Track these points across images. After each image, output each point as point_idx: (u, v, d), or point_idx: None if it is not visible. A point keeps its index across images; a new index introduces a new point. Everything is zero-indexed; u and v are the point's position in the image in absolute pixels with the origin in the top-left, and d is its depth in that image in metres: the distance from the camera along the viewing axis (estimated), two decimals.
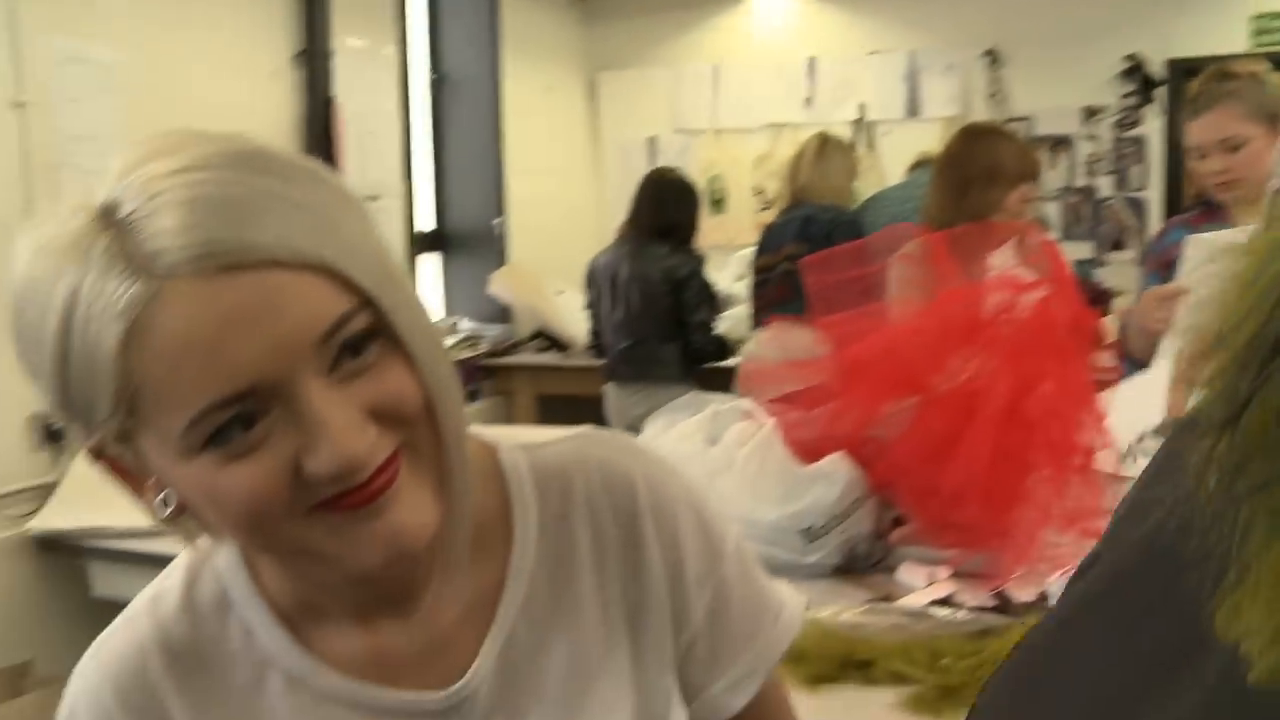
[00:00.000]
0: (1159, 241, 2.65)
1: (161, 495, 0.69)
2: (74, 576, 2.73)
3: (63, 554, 2.73)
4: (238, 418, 0.63)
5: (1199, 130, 2.36)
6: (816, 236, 3.67)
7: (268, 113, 3.69)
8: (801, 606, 0.92)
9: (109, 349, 0.62)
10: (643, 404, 3.64)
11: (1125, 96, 5.38)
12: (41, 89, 2.82)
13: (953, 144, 2.92)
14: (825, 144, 4.05)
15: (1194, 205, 2.82)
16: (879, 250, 2.54)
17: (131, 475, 0.70)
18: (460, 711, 0.79)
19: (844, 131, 5.17)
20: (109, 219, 0.63)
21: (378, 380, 0.66)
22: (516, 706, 0.80)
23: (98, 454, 0.69)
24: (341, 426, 0.64)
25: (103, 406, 0.64)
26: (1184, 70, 5.10)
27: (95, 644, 0.81)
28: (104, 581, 2.68)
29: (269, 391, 0.63)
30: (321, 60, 4.03)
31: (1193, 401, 0.43)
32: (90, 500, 2.75)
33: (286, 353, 0.63)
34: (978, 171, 2.70)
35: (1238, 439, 0.40)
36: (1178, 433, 0.46)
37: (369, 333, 0.66)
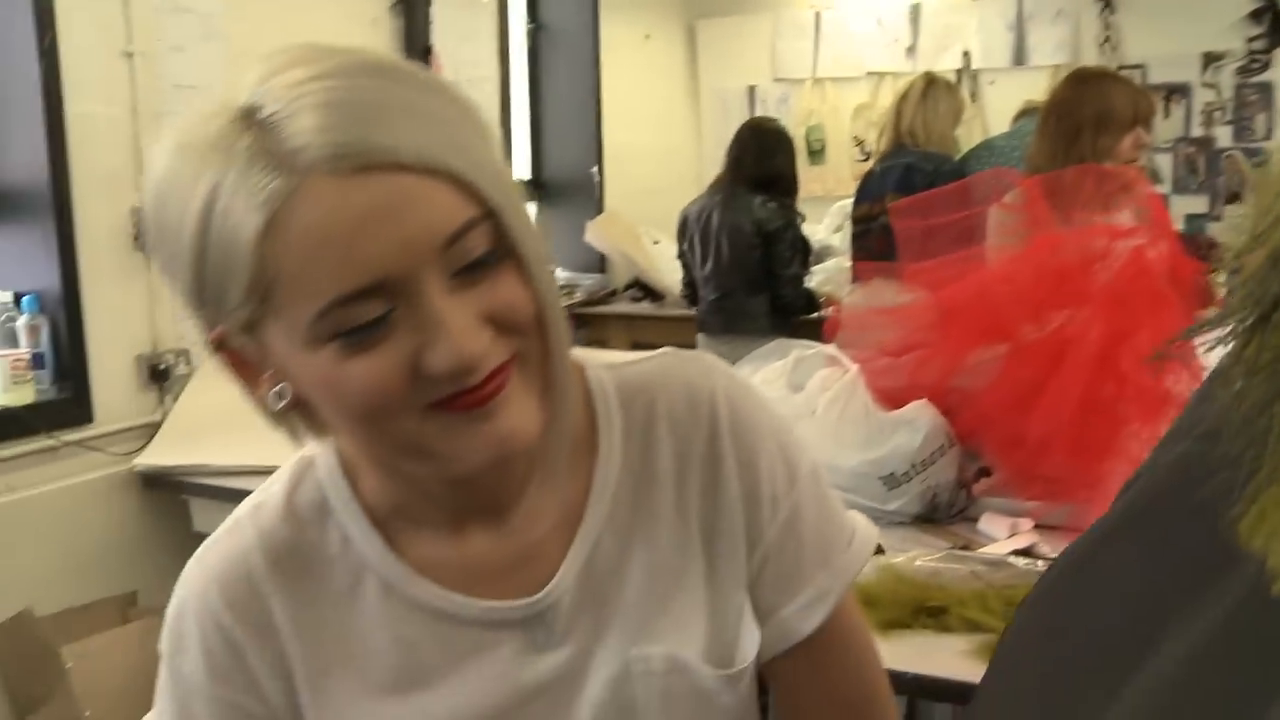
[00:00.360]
0: None
1: (277, 388, 0.72)
2: (176, 512, 2.82)
3: (166, 490, 2.82)
4: (363, 311, 0.66)
5: None
6: (919, 187, 3.56)
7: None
8: (874, 534, 0.92)
9: (248, 238, 0.65)
10: (731, 356, 3.60)
11: (1252, 40, 5.11)
12: (147, 38, 2.88)
13: (1060, 90, 2.81)
14: (932, 84, 3.92)
15: None
16: (975, 195, 2.48)
17: (249, 369, 0.73)
18: (542, 620, 0.82)
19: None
20: (250, 119, 0.66)
21: (494, 289, 0.69)
22: (596, 616, 0.83)
23: (219, 345, 0.73)
24: (460, 327, 0.67)
25: (235, 295, 0.67)
26: None
27: (200, 550, 0.85)
28: (203, 517, 2.77)
29: (395, 288, 0.66)
30: (421, 8, 4.05)
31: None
32: (192, 439, 2.85)
33: (413, 252, 0.66)
34: (1088, 117, 2.60)
35: (1268, 339, 0.38)
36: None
37: (488, 242, 0.69)
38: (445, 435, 0.70)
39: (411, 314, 0.67)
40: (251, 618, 0.81)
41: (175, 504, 2.83)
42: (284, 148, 0.65)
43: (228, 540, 0.83)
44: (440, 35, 4.15)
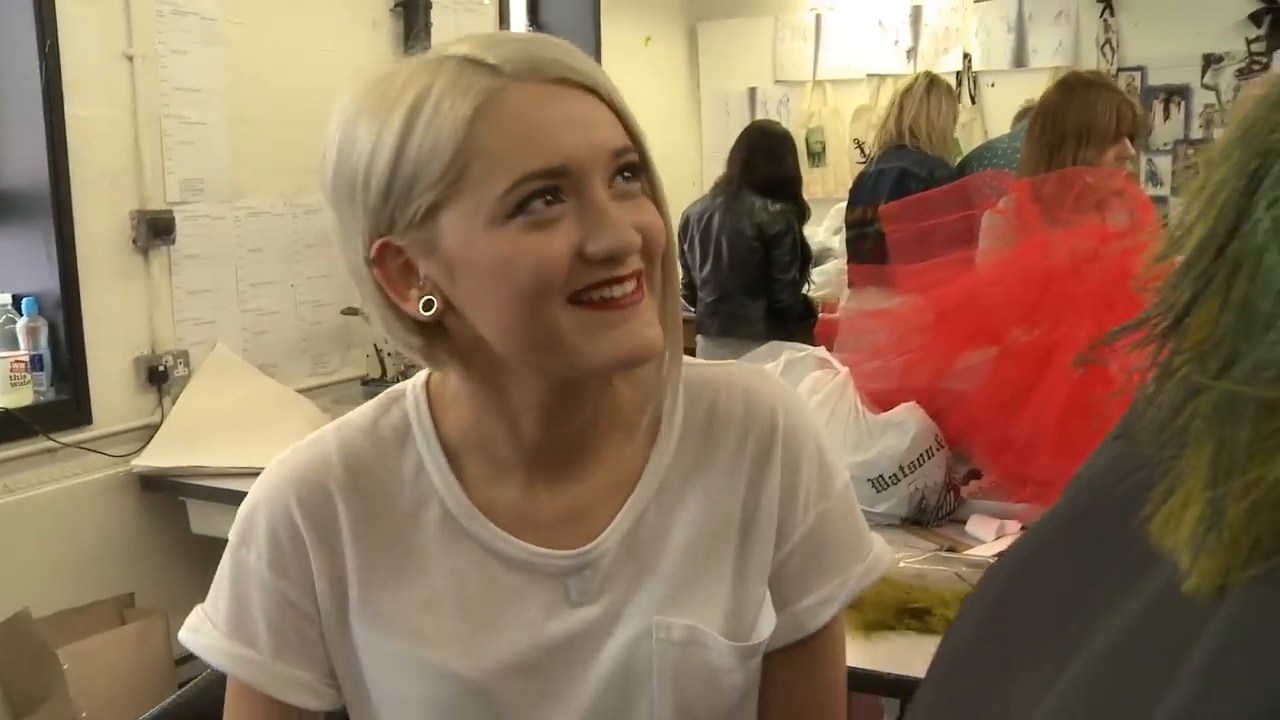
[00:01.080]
0: None
1: (427, 298, 0.81)
2: (174, 513, 2.84)
3: (163, 492, 2.83)
4: (546, 190, 0.76)
5: None
6: (913, 194, 3.57)
7: (366, 63, 3.73)
8: (889, 556, 1.00)
9: (462, 117, 0.76)
10: (728, 359, 3.61)
11: (1252, 42, 5.11)
12: (148, 41, 2.90)
13: (1048, 96, 2.81)
14: (934, 83, 3.92)
15: None
16: (969, 198, 2.48)
17: (397, 282, 0.82)
18: (581, 572, 0.89)
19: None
20: (449, 58, 0.78)
21: (640, 209, 0.81)
22: (630, 581, 0.90)
23: (378, 257, 0.81)
24: (620, 219, 0.78)
25: (432, 173, 0.77)
26: None
27: (285, 453, 0.93)
28: (201, 519, 2.78)
29: (574, 178, 0.77)
30: (421, 11, 4.06)
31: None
32: (190, 441, 2.87)
33: (594, 153, 0.78)
34: (1072, 128, 2.60)
35: (1181, 344, 0.39)
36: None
37: (638, 168, 0.82)
38: (585, 330, 0.79)
39: (581, 207, 0.78)
40: (319, 519, 0.89)
41: (173, 505, 2.84)
42: (489, 63, 0.77)
43: (311, 447, 0.92)
44: (441, 38, 4.14)
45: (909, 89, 3.91)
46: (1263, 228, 0.36)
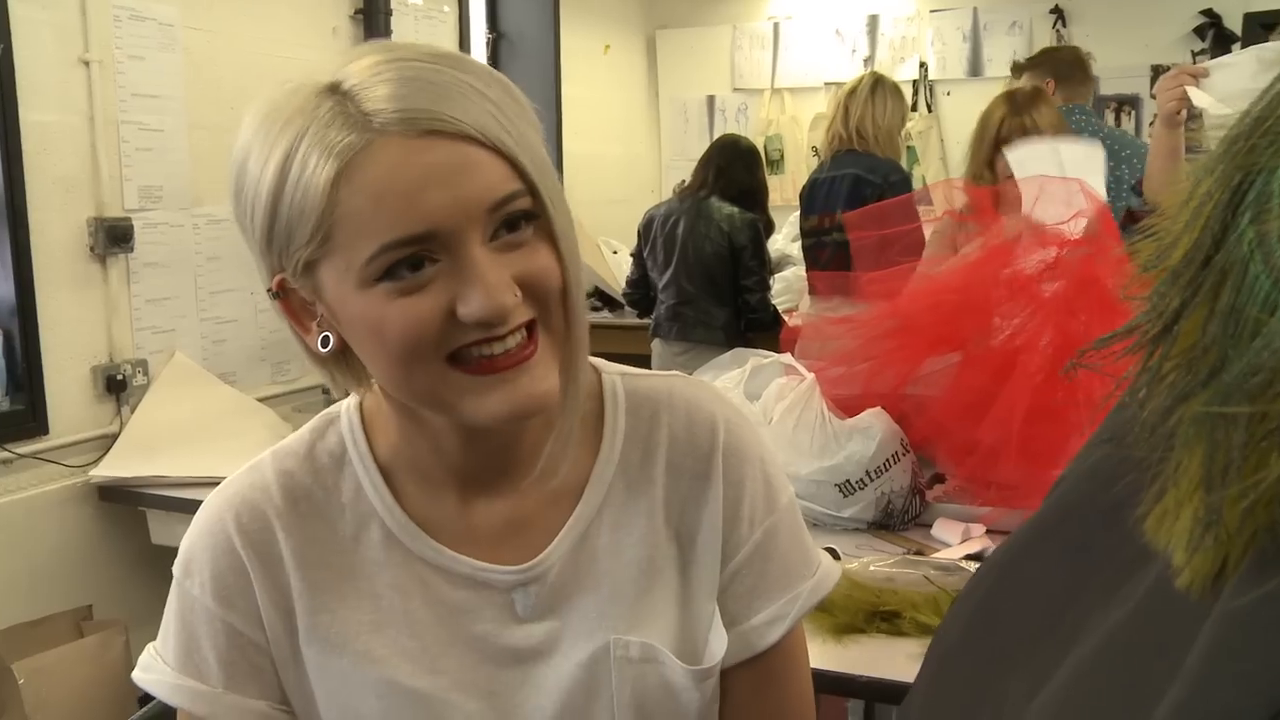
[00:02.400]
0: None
1: (324, 334, 0.81)
2: (133, 524, 2.81)
3: (122, 502, 2.80)
4: (413, 258, 0.74)
5: None
6: (869, 200, 3.46)
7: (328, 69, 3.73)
8: (837, 573, 0.99)
9: (324, 181, 0.73)
10: (687, 365, 3.61)
11: (1198, 54, 5.23)
12: (104, 47, 2.87)
13: (992, 105, 2.86)
14: (879, 82, 3.82)
15: None
16: (925, 205, 2.52)
17: (301, 316, 0.83)
18: (527, 587, 0.89)
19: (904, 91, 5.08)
20: (334, 90, 0.76)
21: (528, 257, 0.78)
22: (578, 597, 0.90)
23: (279, 290, 0.81)
24: (494, 282, 0.75)
25: (303, 233, 0.75)
26: (1261, 24, 4.95)
27: (221, 484, 0.93)
28: (162, 529, 2.75)
29: (443, 240, 0.74)
30: (381, 18, 4.05)
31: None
32: (149, 450, 2.83)
33: (464, 211, 0.74)
34: (1005, 140, 2.65)
35: (1169, 351, 0.40)
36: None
37: (528, 214, 0.77)
38: (468, 392, 0.78)
39: (452, 267, 0.75)
40: (260, 547, 0.88)
41: (132, 516, 2.80)
42: (362, 109, 0.74)
43: (248, 475, 0.91)
44: None
45: (853, 90, 3.83)
46: (1247, 239, 0.38)
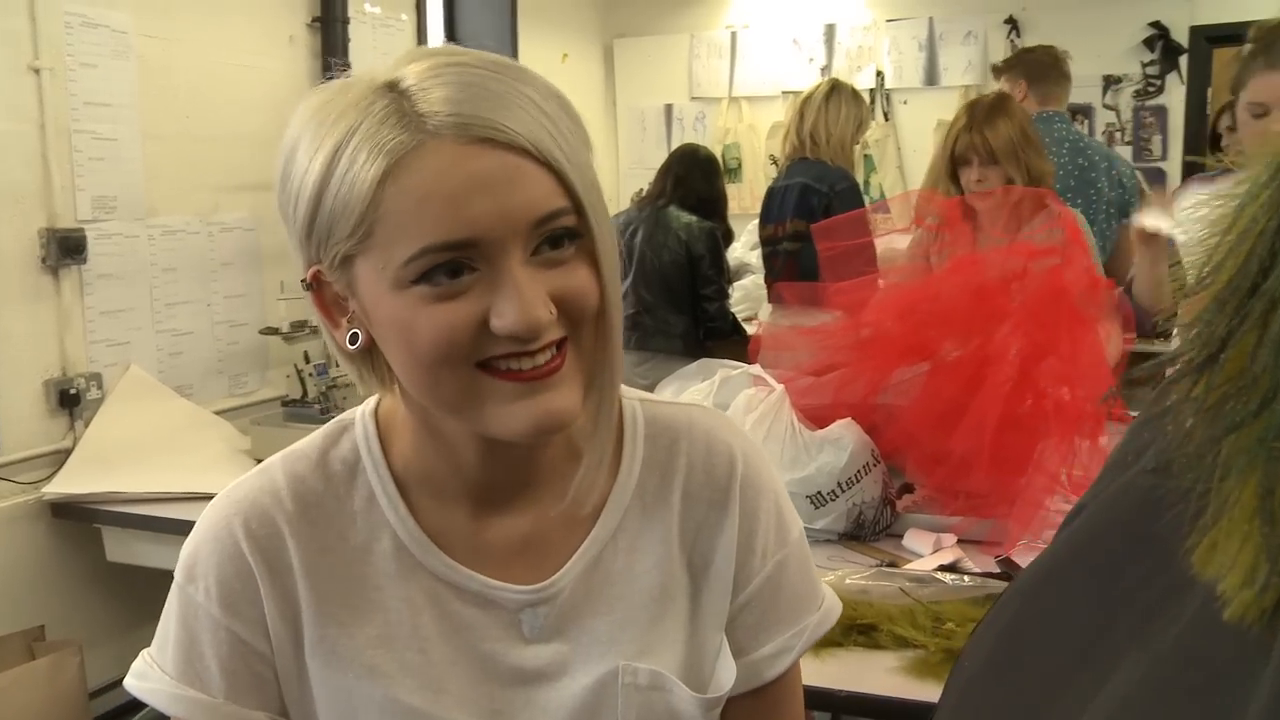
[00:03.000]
0: (1174, 202, 2.60)
1: (354, 330, 0.80)
2: (87, 541, 2.73)
3: (76, 519, 2.72)
4: (451, 264, 0.73)
5: (1272, 86, 2.02)
6: (816, 208, 3.51)
7: (283, 78, 3.68)
8: (839, 607, 1.00)
9: (371, 177, 0.73)
10: (648, 375, 3.59)
11: (1147, 65, 5.32)
12: (56, 54, 2.81)
13: (958, 114, 2.87)
14: (835, 88, 3.76)
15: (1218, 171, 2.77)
16: (884, 214, 2.53)
17: (331, 310, 0.82)
18: (534, 609, 0.88)
19: None
20: (391, 88, 0.75)
21: (567, 275, 0.76)
22: (589, 621, 0.89)
23: (313, 282, 0.81)
24: (530, 297, 0.74)
25: (345, 227, 0.75)
26: (1208, 38, 5.04)
27: (229, 486, 0.90)
28: (118, 547, 2.67)
29: (484, 249, 0.73)
30: (338, 26, 4.00)
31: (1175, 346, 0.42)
32: (104, 466, 2.77)
33: (508, 222, 0.73)
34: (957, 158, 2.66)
35: (1215, 379, 0.39)
36: (1163, 381, 0.45)
37: (572, 233, 0.76)
38: (495, 398, 0.76)
39: (490, 277, 0.74)
40: (268, 554, 0.86)
41: (87, 533, 2.73)
42: (416, 110, 0.73)
43: (257, 479, 0.89)
44: (358, 53, 4.10)
45: (809, 96, 3.78)
46: None
